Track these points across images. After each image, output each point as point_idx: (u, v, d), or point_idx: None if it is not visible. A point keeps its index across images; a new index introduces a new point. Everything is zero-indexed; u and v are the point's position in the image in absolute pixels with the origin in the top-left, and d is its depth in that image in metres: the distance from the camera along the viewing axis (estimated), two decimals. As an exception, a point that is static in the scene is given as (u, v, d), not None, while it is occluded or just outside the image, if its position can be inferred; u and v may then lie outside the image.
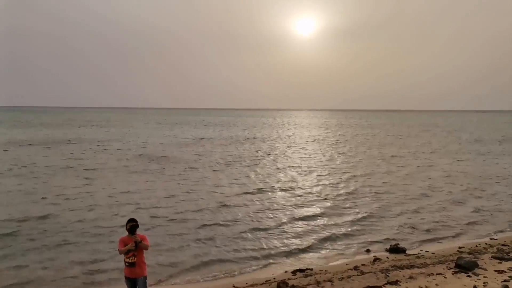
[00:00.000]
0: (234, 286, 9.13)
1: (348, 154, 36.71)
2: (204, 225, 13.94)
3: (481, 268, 9.72)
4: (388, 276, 9.40)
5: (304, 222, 14.75)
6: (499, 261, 10.41)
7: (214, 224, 14.15)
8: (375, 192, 19.90)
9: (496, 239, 13.11)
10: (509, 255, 10.89)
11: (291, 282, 9.12)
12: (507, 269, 9.61)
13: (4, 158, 29.09)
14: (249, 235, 13.12)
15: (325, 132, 73.32)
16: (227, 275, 10.09)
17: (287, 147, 43.45)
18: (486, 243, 12.55)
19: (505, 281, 8.78)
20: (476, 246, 12.25)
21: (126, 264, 6.93)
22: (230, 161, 30.57)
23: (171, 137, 52.80)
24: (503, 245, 12.27)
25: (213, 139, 50.84)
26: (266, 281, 9.48)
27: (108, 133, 59.77)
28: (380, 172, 26.43)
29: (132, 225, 6.85)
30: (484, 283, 8.70)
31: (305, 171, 26.85)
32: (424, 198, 18.82)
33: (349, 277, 9.47)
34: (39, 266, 10.25)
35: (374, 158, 33.80)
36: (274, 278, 9.63)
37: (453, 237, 13.45)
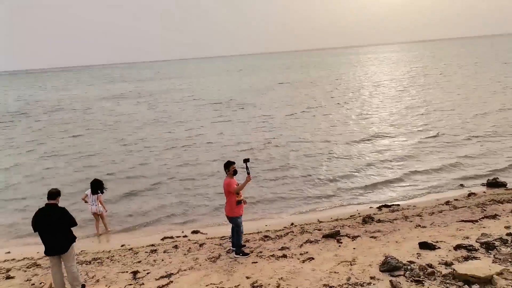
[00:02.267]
0: (318, 221, 9.47)
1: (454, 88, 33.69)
2: (292, 166, 14.43)
3: None
4: (485, 210, 8.83)
5: (393, 159, 14.35)
6: None
7: (300, 164, 14.55)
8: (477, 129, 18.22)
9: None
10: None
11: (377, 217, 9.13)
12: None
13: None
14: (336, 174, 13.26)
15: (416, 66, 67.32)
16: (312, 211, 10.47)
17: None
18: None
19: None
20: None
21: (241, 202, 7.46)
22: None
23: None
24: None
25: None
26: (350, 216, 9.63)
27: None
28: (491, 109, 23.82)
29: (235, 168, 7.43)
30: None
31: (403, 108, 25.48)
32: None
33: (440, 211, 9.13)
34: (146, 204, 11.78)
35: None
36: (359, 213, 9.73)
37: None
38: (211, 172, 14.28)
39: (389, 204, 10.18)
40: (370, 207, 10.23)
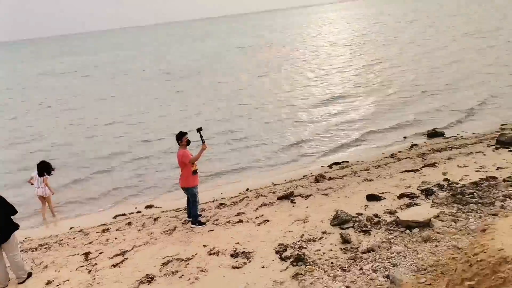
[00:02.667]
0: (273, 184, 9.63)
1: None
2: (250, 135, 14.27)
3: (524, 142, 9.41)
4: (425, 159, 9.42)
5: (339, 120, 14.74)
6: (545, 133, 9.99)
7: (249, 133, 14.51)
8: (413, 82, 19.06)
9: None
10: (557, 126, 10.40)
11: (328, 175, 9.44)
12: (554, 140, 9.24)
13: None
14: (287, 138, 13.40)
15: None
16: (267, 175, 10.57)
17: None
18: (532, 117, 11.99)
19: (550, 151, 8.52)
20: (521, 121, 11.75)
21: (197, 172, 7.37)
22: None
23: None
24: (551, 117, 11.66)
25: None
26: (303, 176, 9.88)
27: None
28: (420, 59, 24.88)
29: (188, 138, 7.28)
30: (527, 155, 8.50)
31: (360, 67, 25.75)
32: (464, 80, 17.84)
33: (385, 164, 9.62)
34: (94, 182, 11.32)
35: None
36: (311, 173, 10.00)
37: (496, 115, 12.90)
38: (163, 147, 13.85)
39: (339, 161, 10.54)
40: (322, 166, 10.54)
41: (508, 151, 9.09)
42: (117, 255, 6.79)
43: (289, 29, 78.85)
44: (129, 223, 8.24)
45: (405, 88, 18.25)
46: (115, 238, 7.55)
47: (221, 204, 8.60)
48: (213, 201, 8.94)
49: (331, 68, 26.70)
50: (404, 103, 15.85)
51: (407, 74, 21.27)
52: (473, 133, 11.36)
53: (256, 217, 7.52)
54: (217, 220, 7.70)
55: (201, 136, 7.31)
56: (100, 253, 6.98)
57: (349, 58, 29.91)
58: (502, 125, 11.74)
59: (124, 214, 9.00)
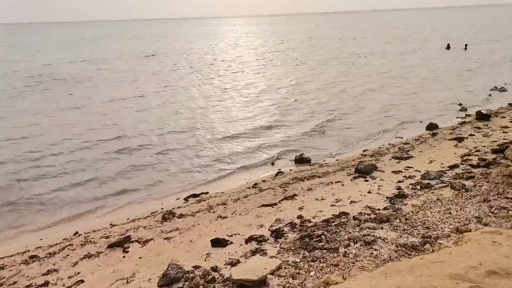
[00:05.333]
0: (111, 224, 7.93)
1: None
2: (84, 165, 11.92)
3: (379, 171, 9.53)
4: (286, 190, 8.82)
5: (210, 141, 13.67)
6: (397, 160, 10.35)
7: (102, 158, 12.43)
8: (295, 101, 19.21)
9: (402, 138, 13.20)
10: (408, 153, 10.88)
11: (179, 211, 8.16)
12: (404, 169, 9.52)
13: None
14: (142, 163, 11.72)
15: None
16: (107, 212, 8.78)
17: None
18: (389, 143, 12.56)
19: (399, 181, 8.63)
20: (379, 147, 12.17)
21: None
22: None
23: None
24: (405, 143, 12.32)
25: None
26: (151, 213, 8.40)
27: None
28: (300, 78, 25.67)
29: None
30: (379, 186, 8.46)
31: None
32: (339, 102, 18.59)
33: (245, 197, 8.74)
34: None
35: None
36: (161, 209, 8.58)
37: (361, 141, 13.26)
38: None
39: (197, 193, 9.35)
40: (177, 199, 9.19)
41: (364, 180, 9.03)
42: None
43: (195, 39, 76.85)
44: None
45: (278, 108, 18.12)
46: None
47: (33, 257, 6.62)
48: (23, 252, 6.89)
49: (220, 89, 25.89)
50: (279, 126, 15.40)
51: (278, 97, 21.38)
52: (337, 160, 11.33)
53: (69, 277, 5.83)
54: (14, 284, 5.76)
55: None
56: None
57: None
58: (364, 151, 12.03)
59: None
